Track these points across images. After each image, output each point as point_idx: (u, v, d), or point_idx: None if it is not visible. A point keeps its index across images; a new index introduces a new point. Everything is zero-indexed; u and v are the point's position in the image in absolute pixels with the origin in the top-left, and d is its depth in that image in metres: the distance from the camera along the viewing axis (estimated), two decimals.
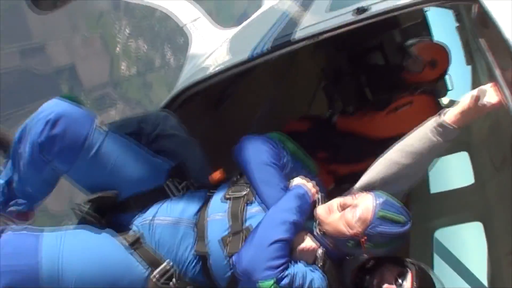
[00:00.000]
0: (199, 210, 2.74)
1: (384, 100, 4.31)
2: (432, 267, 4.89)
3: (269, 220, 2.54)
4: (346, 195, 2.71)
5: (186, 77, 4.04)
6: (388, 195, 2.56)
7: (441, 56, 4.54)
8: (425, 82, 4.42)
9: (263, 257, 2.37)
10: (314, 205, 2.70)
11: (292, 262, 2.46)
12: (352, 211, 2.48)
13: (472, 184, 4.85)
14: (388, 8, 2.83)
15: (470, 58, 4.82)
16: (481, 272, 4.28)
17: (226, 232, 2.60)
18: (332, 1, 3.51)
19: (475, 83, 5.23)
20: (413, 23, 6.01)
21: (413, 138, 2.70)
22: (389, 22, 3.15)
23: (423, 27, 6.26)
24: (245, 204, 2.71)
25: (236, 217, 2.65)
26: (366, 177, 2.85)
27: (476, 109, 2.51)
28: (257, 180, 2.71)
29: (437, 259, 5.08)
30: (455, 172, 5.35)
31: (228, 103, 4.49)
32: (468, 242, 5.27)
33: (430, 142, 2.62)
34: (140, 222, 2.65)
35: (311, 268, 2.51)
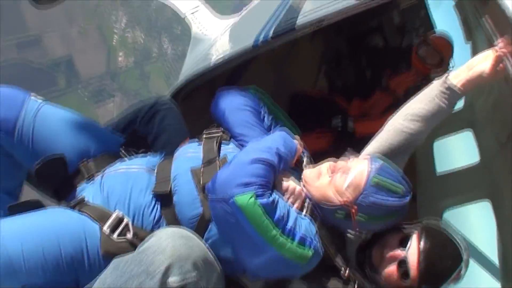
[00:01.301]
0: (163, 158, 2.62)
1: (396, 103, 4.31)
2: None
3: (251, 147, 2.38)
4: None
5: (189, 67, 4.06)
6: (387, 160, 2.42)
7: (448, 55, 4.58)
8: (425, 75, 4.43)
9: (241, 173, 2.16)
10: (298, 162, 2.56)
11: (277, 196, 2.24)
12: (343, 176, 2.32)
13: (478, 162, 4.85)
14: None
15: (470, 35, 4.80)
16: (492, 251, 4.26)
17: (199, 163, 2.43)
18: None
19: None
20: (411, 4, 5.98)
21: (419, 102, 2.64)
22: (387, 3, 3.14)
23: (421, 7, 6.22)
24: (220, 143, 2.55)
25: (211, 150, 2.49)
26: (373, 146, 2.72)
27: (478, 73, 2.47)
28: (234, 123, 2.59)
29: None
30: (460, 152, 5.33)
31: None
32: (477, 221, 5.26)
33: (436, 106, 2.56)
34: (88, 184, 2.50)
35: (299, 213, 2.31)
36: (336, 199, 2.29)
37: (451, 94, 2.52)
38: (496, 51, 2.41)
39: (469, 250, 2.33)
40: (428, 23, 6.24)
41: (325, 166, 2.44)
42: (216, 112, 2.68)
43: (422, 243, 2.24)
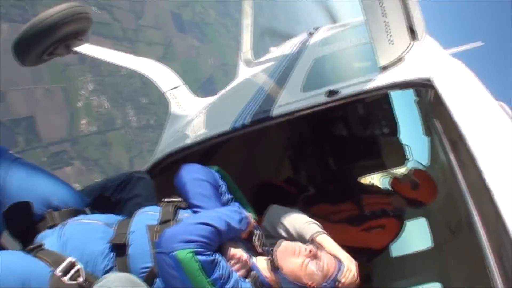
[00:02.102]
0: (125, 217, 2.71)
1: (358, 217, 4.44)
2: None
3: (203, 213, 2.56)
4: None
5: (167, 142, 4.24)
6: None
7: (425, 185, 4.55)
8: (400, 196, 4.55)
9: (186, 230, 2.30)
10: (250, 236, 2.70)
11: (220, 258, 2.35)
12: (317, 264, 2.53)
13: (431, 248, 5.09)
14: (356, 92, 3.12)
15: (428, 130, 5.12)
16: None
17: (155, 222, 2.55)
18: (305, 81, 3.84)
19: (433, 153, 5.58)
20: (376, 98, 6.29)
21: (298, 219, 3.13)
22: None
23: (385, 101, 6.54)
24: (177, 208, 2.67)
25: (168, 212, 2.61)
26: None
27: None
28: (192, 194, 2.70)
29: None
30: (414, 237, 5.57)
31: None
32: None
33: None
34: (50, 231, 2.55)
35: (242, 279, 2.43)
36: (306, 279, 2.49)
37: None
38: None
39: None
40: (390, 116, 6.58)
41: (302, 246, 2.61)
42: (178, 183, 2.79)
43: None
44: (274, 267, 2.54)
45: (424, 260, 5.09)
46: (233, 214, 2.56)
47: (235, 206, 2.74)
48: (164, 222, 2.54)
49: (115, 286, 1.99)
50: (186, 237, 2.23)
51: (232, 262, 2.44)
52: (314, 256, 2.56)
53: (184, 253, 2.17)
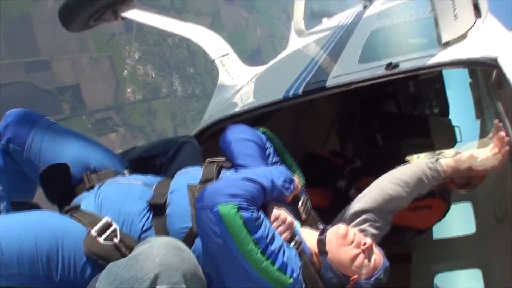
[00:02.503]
0: (165, 178, 2.70)
1: None
2: None
3: (247, 170, 2.48)
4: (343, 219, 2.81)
5: (214, 111, 4.23)
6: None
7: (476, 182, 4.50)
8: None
9: (230, 184, 2.22)
10: (295, 200, 2.62)
11: (264, 217, 2.26)
12: (365, 259, 2.40)
13: (474, 233, 5.00)
14: (417, 66, 3.03)
15: (480, 113, 5.00)
16: None
17: (197, 181, 2.49)
18: (362, 52, 3.76)
19: (483, 137, 5.45)
20: (428, 76, 6.19)
21: (406, 170, 2.87)
22: None
23: (437, 80, 6.42)
24: (220, 168, 2.61)
25: (211, 172, 2.56)
26: (360, 202, 2.91)
27: (469, 168, 2.69)
28: (237, 154, 2.64)
29: None
30: (458, 221, 5.48)
31: None
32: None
33: (418, 180, 2.77)
34: (87, 194, 2.56)
35: (286, 243, 2.30)
36: (351, 271, 2.36)
37: (435, 175, 2.75)
38: (493, 151, 2.62)
39: None
40: (442, 96, 6.48)
41: (360, 236, 2.49)
42: (223, 142, 2.76)
43: None
44: (321, 249, 2.44)
45: (466, 245, 5.00)
46: (280, 174, 2.46)
47: (282, 167, 2.63)
48: (205, 181, 2.49)
49: (159, 252, 1.92)
50: (229, 190, 2.15)
51: (276, 223, 2.33)
52: (369, 250, 2.45)
53: (227, 208, 2.09)
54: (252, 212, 2.14)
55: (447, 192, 4.34)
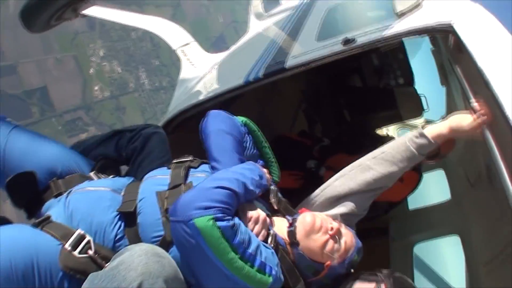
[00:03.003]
0: (132, 181, 2.67)
1: None
2: (412, 281, 5.00)
3: (218, 174, 2.41)
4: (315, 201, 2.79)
5: (178, 101, 4.19)
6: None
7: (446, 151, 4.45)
8: None
9: (203, 197, 2.15)
10: (266, 193, 2.60)
11: (239, 222, 2.22)
12: (335, 244, 2.40)
13: (449, 200, 5.04)
14: (373, 39, 3.03)
15: (445, 79, 5.03)
16: (460, 283, 4.37)
17: (165, 187, 2.46)
18: (319, 30, 3.74)
19: (449, 104, 5.48)
20: (390, 47, 6.20)
21: (390, 147, 2.81)
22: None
23: (400, 51, 6.43)
24: (188, 168, 2.60)
25: (178, 175, 2.53)
26: (341, 182, 2.85)
27: (454, 133, 2.67)
28: (214, 146, 2.60)
29: (417, 274, 5.13)
30: (432, 189, 5.52)
31: None
32: (447, 255, 5.40)
33: (406, 151, 2.72)
34: (55, 201, 2.53)
35: (263, 244, 2.28)
36: (323, 258, 2.38)
37: (422, 141, 2.69)
38: (475, 119, 2.56)
39: None
40: (406, 66, 6.49)
41: (328, 222, 2.48)
42: (203, 131, 2.71)
43: None
44: (292, 240, 2.45)
45: (442, 212, 5.04)
46: (252, 173, 2.44)
47: (250, 164, 2.59)
48: (174, 187, 2.47)
49: (141, 260, 1.92)
50: (203, 203, 2.10)
51: (251, 225, 2.32)
52: (337, 234, 2.45)
53: (204, 221, 2.04)
54: (228, 220, 2.11)
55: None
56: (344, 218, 2.75)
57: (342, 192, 2.82)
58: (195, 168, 2.63)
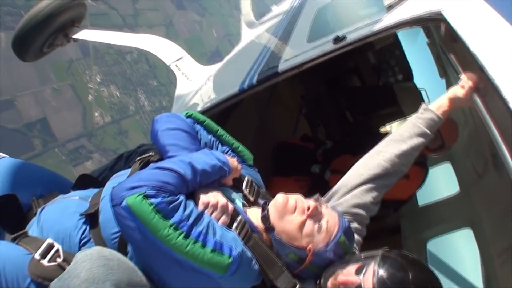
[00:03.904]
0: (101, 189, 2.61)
1: None
2: None
3: (164, 160, 2.34)
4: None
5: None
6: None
7: (446, 128, 4.17)
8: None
9: (136, 178, 2.09)
10: (237, 182, 2.54)
11: (189, 202, 2.13)
12: (315, 224, 2.25)
13: (458, 192, 5.00)
14: (363, 35, 3.01)
15: (443, 71, 5.00)
16: (476, 276, 4.32)
17: None
18: (309, 32, 3.72)
19: None
20: (386, 44, 6.19)
21: (397, 132, 2.82)
22: (363, 45, 3.32)
23: (396, 46, 6.44)
24: (147, 162, 2.54)
25: (135, 170, 2.50)
26: (352, 172, 2.79)
27: (453, 103, 2.74)
28: (163, 143, 2.51)
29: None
30: (440, 183, 5.49)
31: None
32: (460, 248, 5.34)
33: (414, 128, 2.74)
34: (35, 218, 2.52)
35: (226, 227, 2.17)
36: (303, 241, 2.22)
37: (427, 115, 2.73)
38: (462, 87, 2.66)
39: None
40: (403, 61, 6.52)
41: (302, 201, 2.33)
42: (152, 136, 2.65)
43: (378, 270, 2.06)
44: (266, 225, 2.29)
45: (452, 206, 4.99)
46: (202, 157, 2.33)
47: (205, 150, 2.52)
48: None
49: (83, 266, 1.88)
50: (134, 183, 2.02)
51: (208, 210, 2.18)
52: (316, 214, 2.27)
53: (133, 198, 1.96)
54: (164, 197, 2.00)
55: (422, 158, 4.31)
56: (355, 213, 2.67)
57: (354, 182, 2.73)
58: (155, 162, 2.54)
